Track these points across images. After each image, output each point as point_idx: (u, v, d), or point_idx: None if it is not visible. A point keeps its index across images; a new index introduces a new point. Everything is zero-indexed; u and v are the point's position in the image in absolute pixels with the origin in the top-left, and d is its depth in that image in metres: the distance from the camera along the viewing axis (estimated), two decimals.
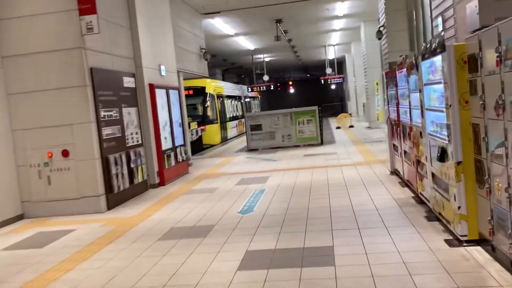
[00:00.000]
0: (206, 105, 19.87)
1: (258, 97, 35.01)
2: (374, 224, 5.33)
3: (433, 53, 4.64)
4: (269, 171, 10.33)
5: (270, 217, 6.14)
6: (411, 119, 6.27)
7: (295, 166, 10.74)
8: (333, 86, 51.88)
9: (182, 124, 11.44)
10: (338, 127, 21.94)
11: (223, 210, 6.76)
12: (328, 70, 27.06)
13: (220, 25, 17.55)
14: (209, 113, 20.03)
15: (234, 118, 24.17)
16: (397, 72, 7.22)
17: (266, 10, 15.72)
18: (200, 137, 17.34)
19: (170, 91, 10.72)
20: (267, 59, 31.49)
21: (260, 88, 27.79)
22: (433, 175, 5.19)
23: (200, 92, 19.97)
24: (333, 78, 26.83)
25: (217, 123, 20.40)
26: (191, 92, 20.03)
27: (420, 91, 5.44)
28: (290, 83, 48.26)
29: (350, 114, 27.42)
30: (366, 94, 21.96)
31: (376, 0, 15.27)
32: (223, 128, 21.45)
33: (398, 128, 7.43)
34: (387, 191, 7.07)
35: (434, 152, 5.05)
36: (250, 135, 15.14)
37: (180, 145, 11.04)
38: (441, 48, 4.31)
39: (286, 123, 14.96)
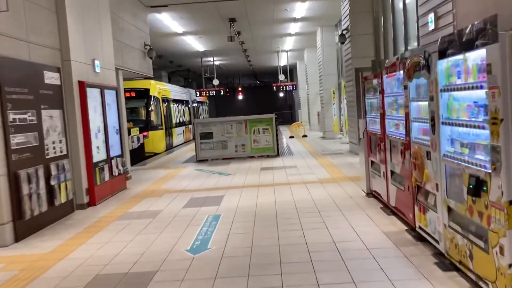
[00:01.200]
0: (150, 109, 18.05)
1: (206, 102, 33.37)
2: (371, 274, 4.00)
3: (467, 46, 3.39)
4: (224, 188, 8.85)
5: (230, 259, 4.66)
6: (408, 134, 5.04)
7: (253, 182, 9.33)
8: (281, 94, 51.29)
9: (120, 131, 9.71)
10: (291, 137, 20.83)
11: (168, 247, 5.21)
12: (281, 77, 26.01)
13: (168, 21, 15.90)
14: (153, 118, 18.22)
15: (181, 124, 22.44)
16: (384, 76, 6.01)
17: (219, 6, 14.29)
18: (142, 144, 15.54)
19: (106, 92, 8.99)
20: (217, 63, 29.98)
21: (209, 93, 26.21)
22: (449, 209, 3.95)
23: (143, 94, 18.13)
24: (286, 85, 25.79)
25: (162, 129, 18.63)
26: (133, 94, 18.17)
27: (431, 99, 4.20)
28: (240, 89, 46.97)
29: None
30: (321, 102, 21.02)
31: (338, 3, 14.27)
32: (169, 134, 19.69)
33: (382, 144, 6.21)
34: (371, 220, 5.81)
35: (454, 181, 3.81)
36: (199, 144, 13.58)
37: (117, 156, 9.31)
38: (488, 38, 3.06)
39: (240, 132, 13.55)
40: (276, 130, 13.64)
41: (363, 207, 6.53)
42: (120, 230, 6.16)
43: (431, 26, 6.40)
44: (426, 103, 4.46)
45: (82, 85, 7.94)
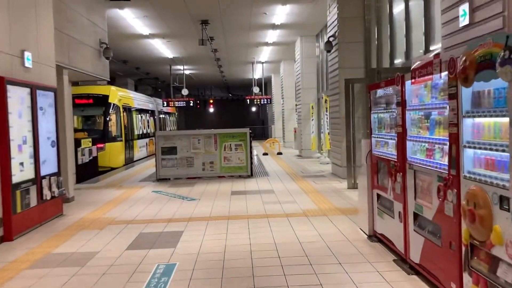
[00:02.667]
0: (107, 118, 16.06)
1: (174, 113, 31.44)
2: None
3: None
4: (184, 219, 7.03)
5: None
6: (454, 166, 3.41)
7: (222, 211, 7.55)
8: (254, 109, 49.83)
9: (57, 142, 7.78)
10: (265, 153, 19.17)
11: None
12: (255, 89, 24.45)
13: (131, 19, 14.08)
14: (111, 128, 16.22)
15: (144, 136, 20.45)
16: (407, 82, 4.40)
17: (190, 5, 12.60)
18: (95, 158, 13.52)
19: (40, 93, 7.09)
20: (187, 72, 28.18)
21: (177, 104, 24.33)
22: None
23: (101, 101, 16.15)
24: (260, 98, 24.22)
25: (121, 140, 16.63)
26: (90, 101, 16.19)
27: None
28: (211, 101, 45.24)
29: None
30: (297, 118, 19.49)
31: (322, 8, 12.82)
32: (129, 147, 17.68)
33: (399, 174, 4.59)
34: (386, 282, 4.14)
35: None
36: (160, 160, 11.70)
37: (51, 174, 7.37)
38: None
39: (208, 147, 11.76)
40: (251, 148, 11.93)
41: (369, 257, 4.86)
42: (29, 285, 4.26)
43: (463, 22, 4.87)
44: (497, 120, 2.85)
45: (2, 82, 6.03)
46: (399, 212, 4.62)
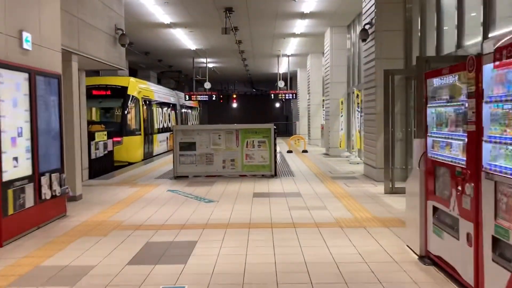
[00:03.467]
0: (126, 111, 15.34)
1: (197, 107, 30.70)
2: None
3: None
4: (199, 226, 6.15)
5: None
6: None
7: (242, 217, 6.64)
8: (278, 104, 48.79)
9: (60, 135, 6.98)
10: (289, 151, 18.18)
11: None
12: (281, 83, 23.44)
13: (151, 6, 13.28)
14: (129, 121, 15.50)
15: (164, 130, 19.71)
16: (487, 66, 3.36)
17: None
18: (111, 152, 12.79)
19: (40, 79, 6.30)
20: (211, 65, 27.38)
21: (199, 98, 23.50)
22: None
23: (119, 93, 15.44)
24: (285, 93, 23.20)
25: (139, 134, 15.90)
26: (108, 92, 15.51)
27: None
28: (234, 96, 44.45)
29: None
30: (325, 114, 18.43)
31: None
32: (148, 141, 16.95)
33: (468, 185, 3.56)
34: None
35: None
36: (178, 157, 10.87)
37: (52, 171, 6.58)
38: None
39: (230, 144, 10.86)
40: (275, 145, 10.97)
41: (422, 284, 3.86)
42: None
43: None
44: None
45: None
46: (468, 234, 3.61)
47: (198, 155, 10.84)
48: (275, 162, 10.94)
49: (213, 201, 7.92)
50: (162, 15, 14.29)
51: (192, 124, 28.01)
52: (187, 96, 23.58)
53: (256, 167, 10.87)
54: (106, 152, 12.26)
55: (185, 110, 25.70)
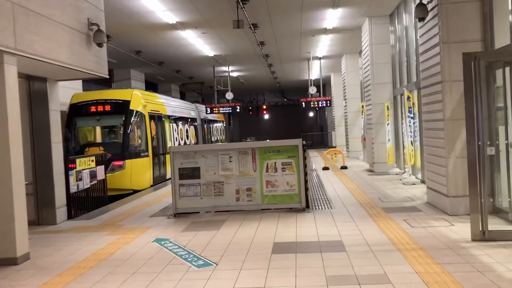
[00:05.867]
0: (129, 129, 12.96)
1: (223, 121, 28.25)
2: None
3: None
4: None
5: None
6: None
7: None
8: (311, 114, 45.87)
9: None
10: (325, 168, 15.33)
11: None
12: (312, 90, 20.68)
13: (147, 1, 10.90)
14: (133, 141, 13.12)
15: None
16: None
17: None
18: (103, 181, 10.36)
19: None
20: (235, 74, 24.96)
21: (221, 110, 21.03)
22: None
23: (120, 108, 13.09)
24: (318, 100, 20.40)
25: (146, 156, 13.47)
26: (107, 108, 13.17)
27: None
28: (264, 107, 41.91)
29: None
30: (366, 122, 15.51)
31: None
32: (159, 163, 14.52)
33: None
34: None
35: None
36: (178, 188, 8.28)
37: None
38: None
39: (244, 168, 8.19)
40: (305, 166, 8.20)
41: None
42: None
43: None
44: None
45: None
46: None
47: (204, 184, 8.22)
48: (306, 189, 8.16)
49: (210, 263, 5.23)
50: (163, 12, 11.87)
51: (217, 140, 25.59)
52: (208, 109, 21.14)
53: (280, 198, 8.12)
54: (94, 182, 9.83)
55: (208, 125, 23.27)
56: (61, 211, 8.37)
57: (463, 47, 6.90)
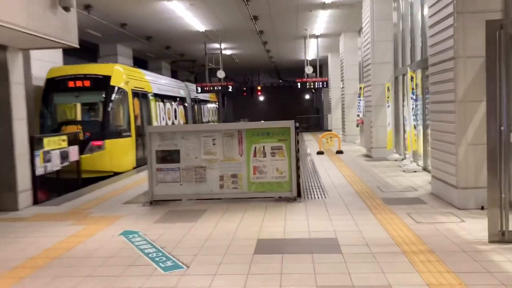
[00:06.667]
0: (109, 107, 12.03)
1: (215, 101, 27.26)
2: None
3: None
4: None
5: None
6: None
7: None
8: (307, 96, 44.87)
9: None
10: (320, 152, 14.49)
11: None
12: (308, 69, 19.70)
13: None
14: (114, 120, 12.20)
15: None
16: None
17: None
18: (77, 163, 9.47)
19: None
20: (228, 52, 23.89)
21: (212, 89, 20.03)
22: None
23: (101, 84, 12.14)
24: (314, 81, 19.46)
25: (129, 136, 12.56)
26: (86, 83, 12.22)
27: None
28: (259, 88, 40.90)
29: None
30: (365, 105, 14.63)
31: None
32: (143, 144, 13.56)
33: None
34: None
35: None
36: (155, 173, 7.41)
37: None
38: None
39: (230, 152, 7.32)
40: (297, 151, 7.34)
41: None
42: None
43: None
44: None
45: None
46: None
47: (184, 169, 7.35)
48: (298, 176, 7.31)
49: (180, 266, 4.39)
50: None
51: (209, 121, 24.65)
52: (198, 88, 20.15)
53: (269, 186, 7.28)
54: (66, 163, 8.94)
55: (199, 105, 22.31)
56: (24, 196, 7.51)
57: (481, 17, 5.98)
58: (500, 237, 4.71)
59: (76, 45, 7.57)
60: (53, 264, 4.59)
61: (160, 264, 4.44)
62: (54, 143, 8.48)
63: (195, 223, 6.00)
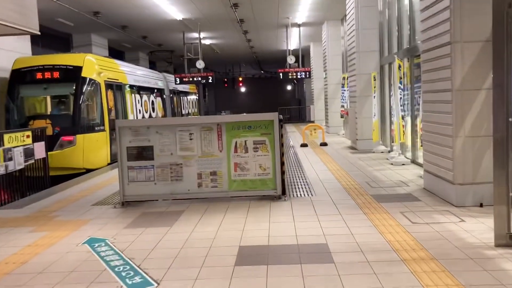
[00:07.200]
0: (80, 100, 11.28)
1: (195, 93, 26.49)
2: None
3: None
4: None
5: None
6: None
7: None
8: (289, 87, 44.37)
9: None
10: (303, 145, 14.00)
11: None
12: (290, 59, 19.13)
13: None
14: (85, 113, 11.45)
15: None
16: None
17: None
18: (43, 161, 8.77)
19: None
20: (207, 42, 23.17)
21: (190, 80, 19.29)
22: None
23: (71, 75, 11.38)
24: (296, 72, 18.91)
25: (102, 130, 11.84)
26: (56, 75, 11.44)
27: None
28: (240, 79, 40.24)
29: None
30: (350, 95, 14.17)
31: None
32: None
33: None
34: None
35: None
36: (126, 171, 6.78)
37: None
38: None
39: (208, 147, 6.73)
40: (281, 145, 6.80)
41: None
42: None
43: None
44: None
45: None
46: None
47: (159, 167, 6.74)
48: (283, 173, 6.77)
49: (149, 282, 3.81)
50: None
51: (189, 114, 23.93)
52: (177, 79, 19.41)
53: (251, 184, 6.72)
54: (31, 161, 8.23)
55: (178, 96, 21.57)
56: None
57: (474, 6, 5.53)
58: (507, 241, 4.26)
59: (36, 31, 6.85)
60: (0, 283, 3.96)
61: (127, 280, 3.85)
62: (16, 140, 7.76)
63: (170, 228, 5.41)
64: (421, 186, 7.14)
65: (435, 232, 4.78)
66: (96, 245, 4.89)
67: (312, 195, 6.92)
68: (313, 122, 23.51)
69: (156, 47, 23.65)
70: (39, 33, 6.90)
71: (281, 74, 19.24)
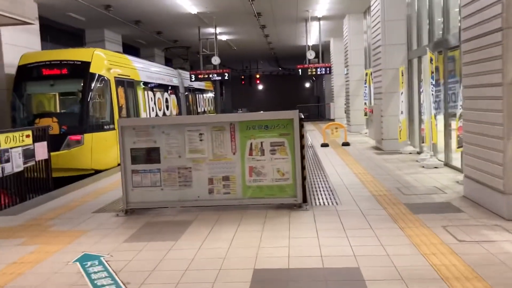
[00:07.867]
0: (89, 97, 10.71)
1: (211, 90, 25.84)
2: None
3: None
4: None
5: None
6: None
7: None
8: (307, 84, 43.46)
9: None
10: (324, 145, 13.19)
11: None
12: (310, 54, 18.31)
13: None
14: (94, 111, 10.87)
15: None
16: None
17: None
18: (45, 162, 8.19)
19: None
20: (224, 38, 22.49)
21: (207, 76, 18.66)
22: None
23: (79, 71, 10.81)
24: (316, 67, 18.09)
25: (111, 129, 11.24)
26: (64, 71, 10.88)
27: None
28: (258, 76, 39.50)
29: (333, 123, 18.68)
30: (374, 92, 13.31)
31: None
32: None
33: None
34: None
35: None
36: (130, 176, 6.12)
37: None
38: None
39: (220, 149, 6.02)
40: (302, 147, 6.04)
41: None
42: None
43: None
44: None
45: None
46: None
47: (165, 171, 6.06)
48: (304, 178, 6.01)
49: None
50: None
51: (205, 112, 23.29)
52: (192, 76, 18.76)
53: (268, 190, 5.98)
54: (31, 163, 7.65)
55: (193, 94, 20.94)
56: None
57: None
58: None
59: (32, 21, 6.27)
60: None
61: None
62: (14, 140, 7.17)
63: (175, 243, 4.72)
64: (460, 194, 6.30)
65: (489, 254, 3.98)
66: (89, 263, 4.22)
67: (337, 204, 6.15)
68: (333, 120, 22.65)
69: (172, 43, 23.07)
70: (34, 23, 6.32)
71: (300, 70, 18.44)
